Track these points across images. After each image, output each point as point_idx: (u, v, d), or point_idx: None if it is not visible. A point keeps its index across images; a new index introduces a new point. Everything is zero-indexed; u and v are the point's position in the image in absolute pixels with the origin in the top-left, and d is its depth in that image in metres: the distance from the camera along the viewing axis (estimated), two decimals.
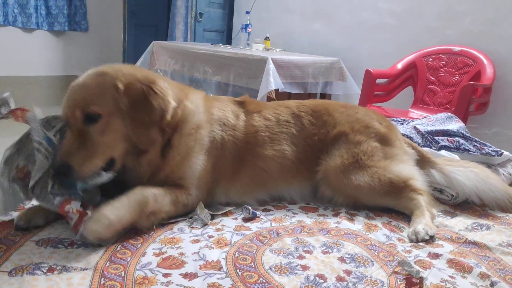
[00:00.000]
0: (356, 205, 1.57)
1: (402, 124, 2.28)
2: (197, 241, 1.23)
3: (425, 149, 1.96)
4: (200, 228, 1.31)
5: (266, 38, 4.62)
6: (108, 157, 1.27)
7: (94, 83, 1.29)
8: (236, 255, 1.15)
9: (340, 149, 1.59)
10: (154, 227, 1.29)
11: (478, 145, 2.06)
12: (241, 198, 1.50)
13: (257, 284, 1.03)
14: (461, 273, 1.15)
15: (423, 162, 1.71)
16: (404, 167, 1.60)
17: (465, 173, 1.65)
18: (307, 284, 1.04)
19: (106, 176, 1.26)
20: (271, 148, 1.57)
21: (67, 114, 1.27)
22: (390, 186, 1.53)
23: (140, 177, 1.36)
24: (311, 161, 1.62)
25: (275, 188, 1.60)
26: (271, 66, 3.40)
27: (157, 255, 1.14)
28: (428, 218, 1.44)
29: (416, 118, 2.68)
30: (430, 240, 1.34)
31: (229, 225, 1.36)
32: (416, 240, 1.33)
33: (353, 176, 1.54)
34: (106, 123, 1.25)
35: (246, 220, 1.41)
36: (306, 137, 1.63)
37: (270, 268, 1.10)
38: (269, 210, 1.52)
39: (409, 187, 1.54)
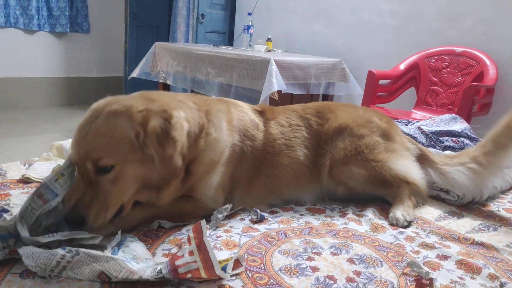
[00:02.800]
0: (352, 195, 1.64)
1: (407, 125, 2.28)
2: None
3: (430, 149, 1.97)
4: (209, 229, 1.31)
5: (268, 39, 4.62)
6: (120, 204, 1.22)
7: (106, 129, 1.19)
8: (246, 257, 1.15)
9: (345, 141, 1.63)
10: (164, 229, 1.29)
11: None
12: (255, 206, 1.48)
13: (267, 286, 1.03)
14: (470, 274, 1.15)
15: (422, 160, 1.74)
16: (403, 162, 1.64)
17: (463, 172, 1.66)
18: (317, 286, 1.04)
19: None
20: (287, 156, 1.58)
21: (76, 162, 1.19)
22: (384, 179, 1.59)
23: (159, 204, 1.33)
24: (320, 160, 1.63)
25: (288, 194, 1.60)
26: (273, 67, 3.41)
27: (166, 256, 1.14)
28: (406, 205, 1.54)
29: (419, 119, 2.68)
30: (408, 225, 1.46)
31: (236, 226, 1.36)
32: (396, 225, 1.45)
33: (353, 168, 1.59)
34: (119, 171, 1.19)
35: (253, 222, 1.41)
36: (315, 137, 1.65)
37: (280, 270, 1.10)
38: (276, 212, 1.52)
39: (401, 180, 1.60)
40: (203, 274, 0.98)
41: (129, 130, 1.19)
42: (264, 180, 1.54)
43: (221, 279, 1.01)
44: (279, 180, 1.56)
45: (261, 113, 1.64)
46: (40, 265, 0.96)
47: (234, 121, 1.51)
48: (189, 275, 0.97)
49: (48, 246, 1.07)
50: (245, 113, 1.59)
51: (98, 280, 0.98)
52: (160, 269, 0.98)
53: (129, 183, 1.22)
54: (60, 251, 0.96)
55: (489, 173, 1.65)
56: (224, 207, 1.40)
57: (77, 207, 1.15)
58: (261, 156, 1.54)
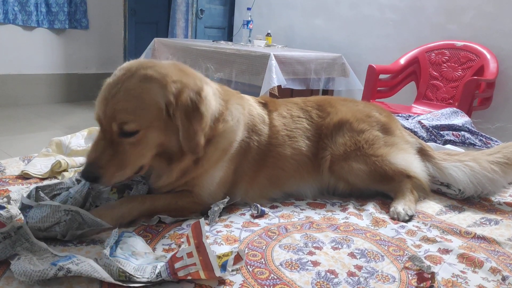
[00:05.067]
0: (353, 190, 1.63)
1: (407, 119, 2.27)
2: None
3: (431, 143, 1.96)
4: (208, 225, 1.31)
5: (268, 35, 4.60)
6: (138, 166, 1.26)
7: (137, 92, 1.19)
8: (246, 251, 1.15)
9: (344, 136, 1.62)
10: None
11: (483, 139, 2.06)
12: (258, 199, 1.49)
13: (268, 280, 1.02)
14: (472, 268, 1.15)
15: (421, 154, 1.74)
16: (403, 156, 1.64)
17: (460, 168, 1.65)
18: (318, 280, 1.04)
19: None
20: (289, 147, 1.58)
21: (101, 119, 1.21)
22: (385, 173, 1.58)
23: (164, 182, 1.35)
24: (321, 154, 1.63)
25: (290, 186, 1.60)
26: (273, 62, 3.40)
27: (167, 251, 1.14)
28: (408, 200, 1.52)
29: (419, 114, 2.67)
30: (409, 219, 1.45)
31: (237, 221, 1.35)
32: (397, 219, 1.44)
33: (353, 164, 1.58)
34: (142, 136, 1.21)
35: (254, 217, 1.40)
36: (316, 129, 1.65)
37: (281, 264, 1.10)
38: (277, 207, 1.52)
39: (402, 174, 1.59)
40: (203, 276, 0.97)
41: (161, 98, 1.21)
42: (267, 172, 1.54)
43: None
44: (282, 171, 1.56)
45: (264, 105, 1.64)
46: (34, 281, 0.94)
47: (246, 118, 1.51)
48: (189, 277, 0.97)
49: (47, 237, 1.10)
50: (253, 106, 1.59)
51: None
52: (160, 272, 0.97)
53: (149, 147, 1.24)
54: (51, 271, 0.94)
55: (489, 178, 1.63)
56: (221, 201, 1.40)
57: (94, 165, 1.18)
58: (266, 149, 1.54)
